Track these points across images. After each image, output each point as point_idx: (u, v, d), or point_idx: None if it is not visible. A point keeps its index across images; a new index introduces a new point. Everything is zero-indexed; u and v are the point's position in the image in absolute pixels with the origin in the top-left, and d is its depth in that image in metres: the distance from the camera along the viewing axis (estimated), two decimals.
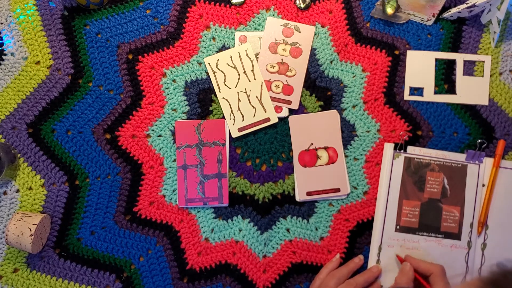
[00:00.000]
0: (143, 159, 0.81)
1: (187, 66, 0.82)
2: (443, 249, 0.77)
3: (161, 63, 0.82)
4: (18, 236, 0.74)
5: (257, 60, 0.81)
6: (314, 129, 0.80)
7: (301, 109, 0.81)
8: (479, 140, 0.79)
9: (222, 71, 0.81)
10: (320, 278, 0.75)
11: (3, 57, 0.82)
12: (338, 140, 0.80)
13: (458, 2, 0.81)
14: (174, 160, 0.81)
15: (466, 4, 0.78)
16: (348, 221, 0.80)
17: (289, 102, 0.81)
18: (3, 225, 0.80)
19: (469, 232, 0.77)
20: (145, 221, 0.80)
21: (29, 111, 0.81)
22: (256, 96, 0.80)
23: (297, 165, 0.80)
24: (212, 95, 0.82)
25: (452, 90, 0.81)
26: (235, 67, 0.81)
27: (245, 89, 0.81)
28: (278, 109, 0.81)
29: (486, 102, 0.80)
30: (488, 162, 0.78)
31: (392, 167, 0.78)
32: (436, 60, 0.81)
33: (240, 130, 0.80)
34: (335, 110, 0.81)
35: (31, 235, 0.74)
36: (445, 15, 0.81)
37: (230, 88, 0.81)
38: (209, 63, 0.81)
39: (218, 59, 0.81)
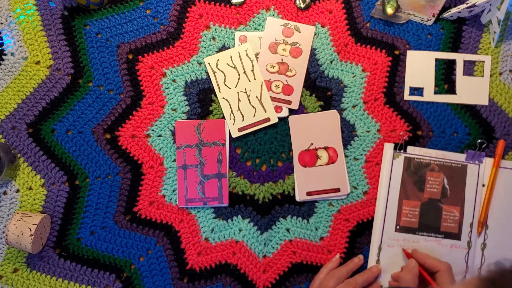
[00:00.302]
0: (143, 159, 0.81)
1: (187, 66, 0.82)
2: (443, 249, 0.77)
3: (161, 63, 0.82)
4: (18, 236, 0.74)
5: (257, 60, 0.81)
6: (314, 129, 0.80)
7: (301, 109, 0.81)
8: (479, 140, 0.79)
9: (222, 71, 0.81)
10: (320, 278, 0.75)
11: (3, 57, 0.82)
12: (338, 140, 0.80)
13: (458, 2, 0.81)
14: (174, 160, 0.81)
15: (466, 4, 0.78)
16: (348, 221, 0.80)
17: (289, 102, 0.81)
18: (3, 225, 0.80)
19: (469, 232, 0.77)
20: (145, 221, 0.80)
21: (29, 111, 0.81)
22: (256, 96, 0.80)
23: (297, 165, 0.80)
24: (212, 95, 0.82)
25: (452, 90, 0.81)
26: (235, 67, 0.81)
27: (245, 89, 0.81)
28: (278, 109, 0.81)
29: (486, 102, 0.80)
30: (488, 162, 0.78)
31: (392, 167, 0.78)
32: (436, 60, 0.81)
33: (240, 130, 0.80)
34: (335, 110, 0.81)
35: (31, 235, 0.74)
36: (445, 15, 0.81)
37: (230, 88, 0.81)
38: (209, 63, 0.81)
39: (218, 59, 0.81)
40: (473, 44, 0.81)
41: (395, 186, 0.78)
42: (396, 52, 0.82)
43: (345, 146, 0.80)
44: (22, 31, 0.82)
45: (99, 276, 0.79)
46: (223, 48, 0.82)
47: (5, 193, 0.81)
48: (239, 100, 0.80)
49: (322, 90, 0.82)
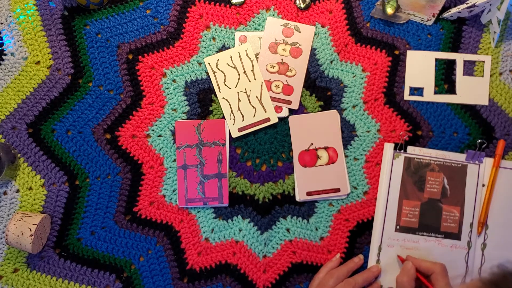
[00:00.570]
0: (143, 159, 0.81)
1: (187, 66, 0.82)
2: (443, 249, 0.77)
3: (161, 63, 0.82)
4: (18, 236, 0.74)
5: (257, 60, 0.81)
6: (314, 129, 0.80)
7: (301, 109, 0.81)
8: (479, 140, 0.79)
9: (222, 71, 0.81)
10: (319, 277, 0.75)
11: (3, 57, 0.82)
12: (338, 140, 0.80)
13: (458, 2, 0.81)
14: (174, 160, 0.81)
15: (466, 4, 0.78)
16: (348, 221, 0.80)
17: (289, 102, 0.81)
18: (3, 225, 0.80)
19: (469, 232, 0.77)
20: (145, 221, 0.80)
21: (29, 111, 0.81)
22: (256, 96, 0.80)
23: (297, 165, 0.80)
24: (212, 95, 0.82)
25: (452, 90, 0.81)
26: (235, 67, 0.81)
27: (245, 89, 0.81)
28: (278, 109, 0.81)
29: (486, 102, 0.80)
30: (488, 162, 0.78)
31: (392, 167, 0.78)
32: (436, 60, 0.81)
33: (240, 130, 0.80)
34: (335, 110, 0.81)
35: (31, 235, 0.74)
36: (445, 15, 0.81)
37: (230, 88, 0.81)
38: (209, 63, 0.81)
39: (218, 59, 0.81)
40: (473, 44, 0.81)
41: (395, 186, 0.78)
42: (396, 52, 0.82)
43: (345, 146, 0.80)
44: (22, 31, 0.82)
45: (99, 276, 0.79)
46: (223, 48, 0.82)
47: (5, 193, 0.81)
48: (239, 100, 0.80)
49: (322, 90, 0.82)
